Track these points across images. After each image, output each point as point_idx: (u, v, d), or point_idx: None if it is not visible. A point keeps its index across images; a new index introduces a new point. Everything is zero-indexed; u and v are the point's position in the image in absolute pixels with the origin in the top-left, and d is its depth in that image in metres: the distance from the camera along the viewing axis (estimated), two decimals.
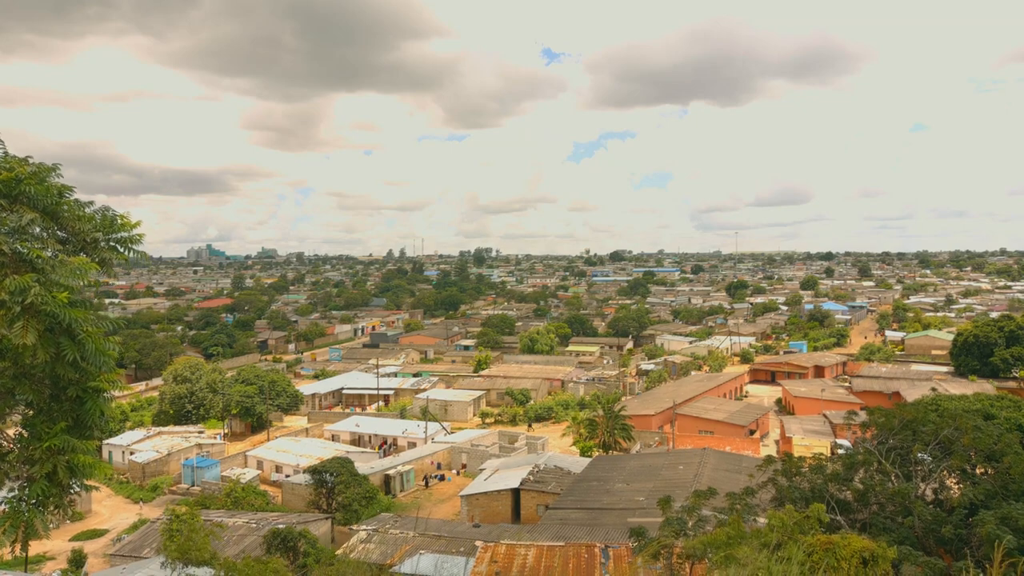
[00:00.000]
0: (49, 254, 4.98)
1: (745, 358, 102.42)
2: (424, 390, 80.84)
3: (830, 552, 7.08)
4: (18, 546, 5.19)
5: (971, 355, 77.83)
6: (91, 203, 5.50)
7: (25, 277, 4.82)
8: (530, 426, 69.64)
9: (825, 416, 61.31)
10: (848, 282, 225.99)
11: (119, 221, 5.61)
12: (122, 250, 5.67)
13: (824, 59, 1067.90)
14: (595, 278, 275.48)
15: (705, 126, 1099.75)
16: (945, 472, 26.00)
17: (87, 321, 5.25)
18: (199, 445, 59.99)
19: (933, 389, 57.42)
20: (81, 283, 5.14)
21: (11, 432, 5.14)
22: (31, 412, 5.20)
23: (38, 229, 5.00)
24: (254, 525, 36.82)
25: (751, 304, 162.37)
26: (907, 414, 26.20)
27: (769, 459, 27.19)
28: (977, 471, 25.75)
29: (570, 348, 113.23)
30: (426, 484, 52.64)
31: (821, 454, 26.29)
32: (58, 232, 5.19)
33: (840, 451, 31.50)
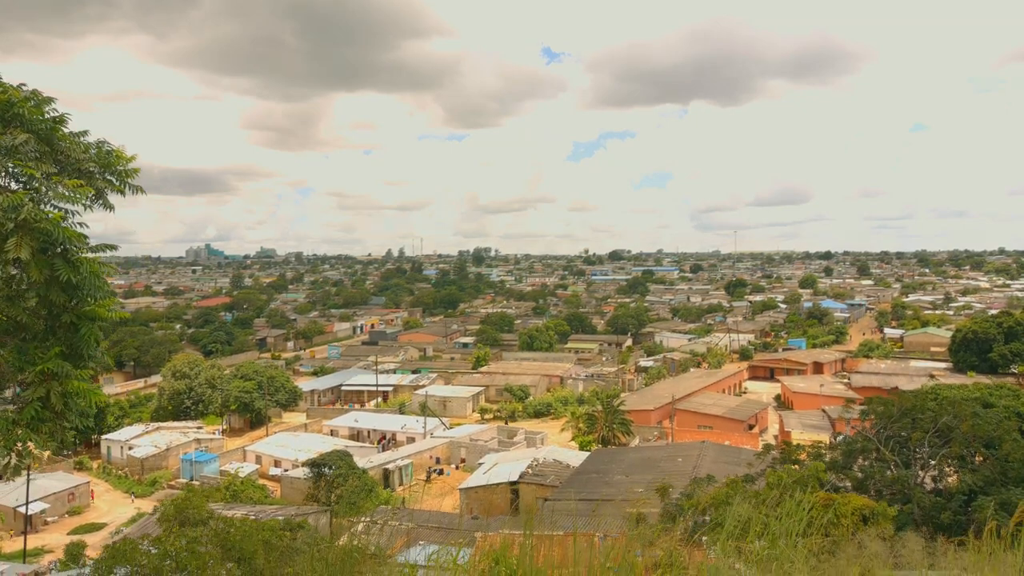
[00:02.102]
0: (43, 176, 4.96)
1: (744, 355, 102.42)
2: (423, 386, 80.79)
3: (830, 508, 7.05)
4: (10, 471, 5.16)
5: (970, 351, 77.82)
6: (86, 132, 5.48)
7: (18, 194, 4.80)
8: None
9: (824, 411, 61.32)
10: (847, 281, 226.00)
11: (115, 155, 5.57)
12: (117, 183, 5.63)
13: (824, 59, 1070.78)
14: (594, 277, 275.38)
15: (705, 126, 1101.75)
16: (945, 461, 25.99)
17: (82, 244, 5.22)
18: (198, 440, 59.96)
19: (931, 376, 57.41)
20: (76, 207, 5.12)
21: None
22: (25, 339, 5.16)
23: (32, 151, 4.97)
24: (252, 517, 36.75)
25: (750, 302, 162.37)
26: (906, 402, 26.22)
27: (768, 447, 27.24)
28: (976, 459, 25.76)
29: (569, 345, 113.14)
30: (428, 478, 52.68)
31: (820, 443, 26.30)
32: (52, 165, 5.15)
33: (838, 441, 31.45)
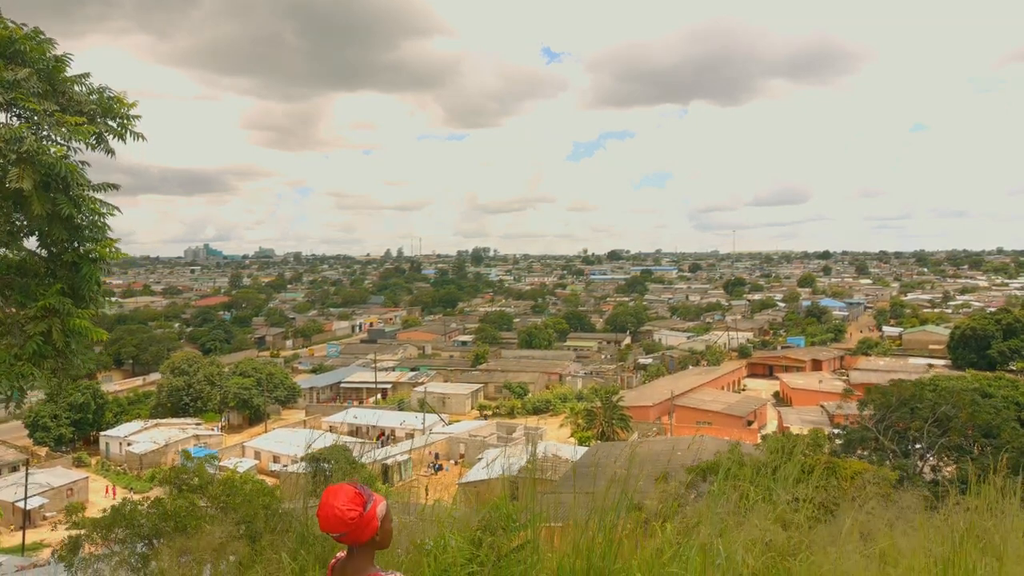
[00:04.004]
0: (44, 112, 4.95)
1: (743, 353, 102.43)
2: (422, 383, 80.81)
3: (830, 471, 7.08)
4: (12, 405, 5.16)
5: (968, 348, 77.91)
6: (88, 75, 5.46)
7: (20, 126, 4.81)
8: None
9: (822, 407, 61.35)
10: (846, 280, 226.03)
11: (116, 100, 5.55)
12: (118, 127, 5.61)
13: (824, 59, 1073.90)
14: (593, 276, 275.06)
15: (705, 126, 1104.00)
16: (944, 452, 26.01)
17: (85, 182, 5.21)
18: (196, 436, 59.98)
19: (930, 366, 57.48)
20: (78, 144, 5.11)
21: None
22: (27, 279, 5.17)
23: (34, 87, 4.95)
24: None
25: (749, 301, 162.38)
26: (904, 392, 26.28)
27: (766, 438, 27.29)
28: (975, 448, 25.79)
29: (568, 343, 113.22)
30: (435, 471, 52.91)
31: (819, 429, 26.35)
32: (54, 103, 5.14)
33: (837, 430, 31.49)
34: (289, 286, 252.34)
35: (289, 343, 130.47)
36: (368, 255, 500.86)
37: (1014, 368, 73.46)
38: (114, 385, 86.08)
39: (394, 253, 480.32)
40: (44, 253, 5.34)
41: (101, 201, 5.41)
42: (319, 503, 3.05)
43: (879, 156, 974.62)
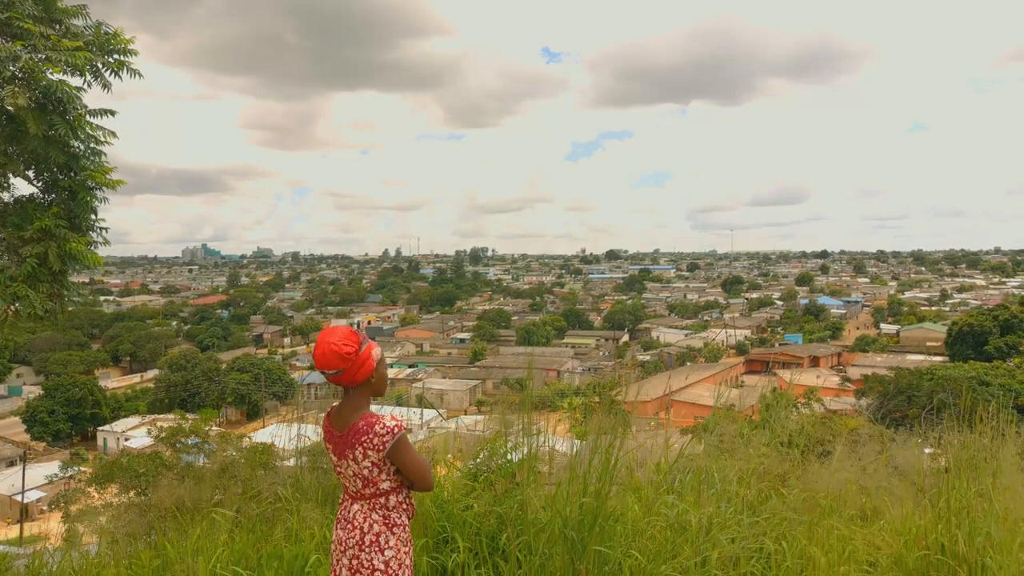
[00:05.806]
0: (40, 35, 4.93)
1: (741, 350, 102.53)
2: (420, 380, 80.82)
3: (825, 425, 7.17)
4: (7, 325, 5.17)
5: (966, 344, 78.00)
6: (85, 6, 5.42)
7: (16, 43, 4.81)
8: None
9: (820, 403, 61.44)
10: (843, 278, 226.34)
11: (113, 35, 5.51)
12: (113, 62, 5.58)
13: (824, 58, 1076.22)
14: (591, 275, 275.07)
15: (704, 125, 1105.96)
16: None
17: (81, 106, 5.20)
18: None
19: (928, 355, 57.56)
20: (72, 67, 5.09)
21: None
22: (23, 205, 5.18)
23: (30, 10, 4.92)
24: None
25: (747, 299, 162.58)
26: (902, 380, 26.34)
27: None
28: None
29: (566, 341, 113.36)
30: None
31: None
32: (50, 29, 5.12)
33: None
34: (287, 285, 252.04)
35: (287, 341, 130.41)
36: (366, 255, 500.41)
37: (1012, 364, 73.61)
38: (112, 382, 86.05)
39: (392, 253, 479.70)
40: (40, 184, 5.36)
41: (98, 127, 5.43)
42: (315, 342, 3.09)
43: (878, 156, 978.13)
